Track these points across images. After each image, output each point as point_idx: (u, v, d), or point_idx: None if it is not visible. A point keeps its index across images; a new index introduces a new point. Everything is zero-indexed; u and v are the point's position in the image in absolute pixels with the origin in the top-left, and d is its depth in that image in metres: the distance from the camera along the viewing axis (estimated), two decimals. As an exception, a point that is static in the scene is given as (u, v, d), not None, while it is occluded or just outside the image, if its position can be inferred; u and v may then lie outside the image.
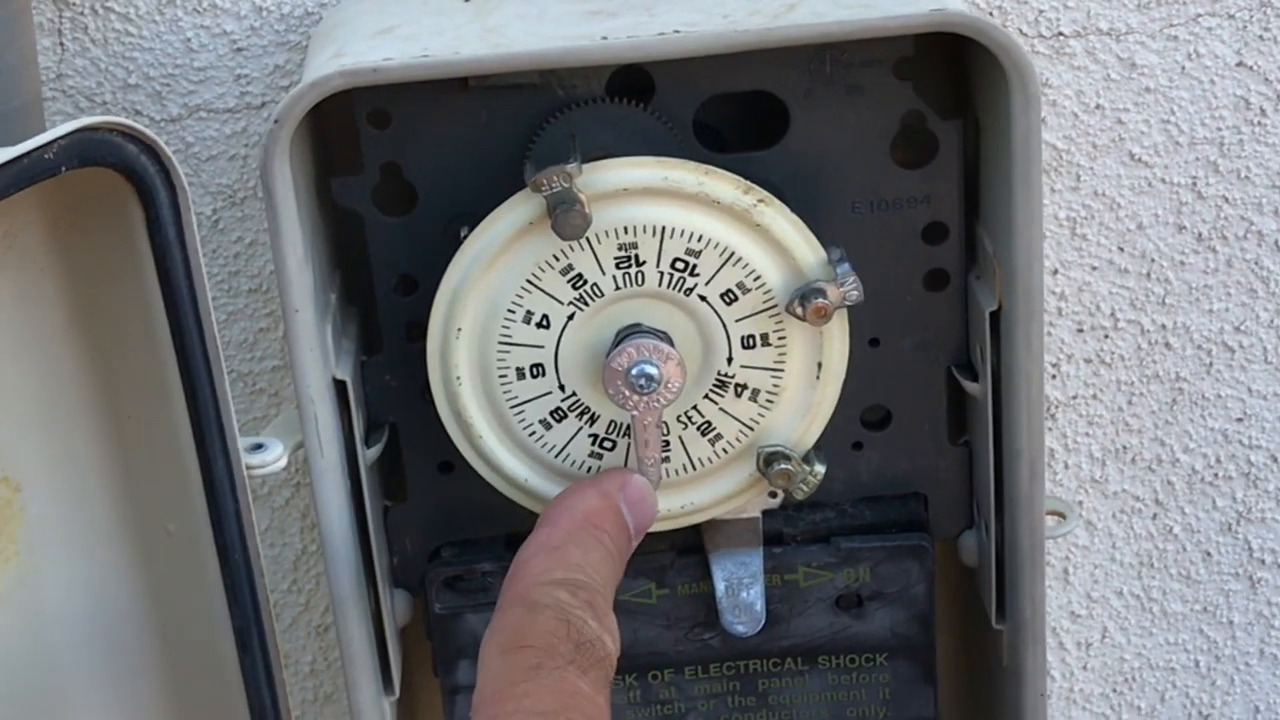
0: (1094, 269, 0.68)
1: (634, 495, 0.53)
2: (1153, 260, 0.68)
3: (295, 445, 0.56)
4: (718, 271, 0.54)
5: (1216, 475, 0.72)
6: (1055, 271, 0.67)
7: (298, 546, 0.70)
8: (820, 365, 0.56)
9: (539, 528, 0.51)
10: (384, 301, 0.58)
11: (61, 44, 0.61)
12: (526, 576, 0.48)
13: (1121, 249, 0.67)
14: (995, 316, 0.57)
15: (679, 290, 0.55)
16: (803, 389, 0.56)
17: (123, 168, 0.48)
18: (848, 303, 0.54)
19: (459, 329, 0.55)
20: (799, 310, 0.54)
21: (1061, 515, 0.64)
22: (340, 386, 0.56)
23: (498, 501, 0.59)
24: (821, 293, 0.54)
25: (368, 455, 0.58)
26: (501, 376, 0.55)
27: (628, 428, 0.56)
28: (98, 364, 0.53)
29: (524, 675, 0.44)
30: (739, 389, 0.56)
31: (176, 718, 0.58)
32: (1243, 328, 0.69)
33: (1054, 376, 0.69)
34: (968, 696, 0.71)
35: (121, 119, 0.47)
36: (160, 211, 0.49)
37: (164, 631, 0.56)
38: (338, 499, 0.57)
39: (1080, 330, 0.69)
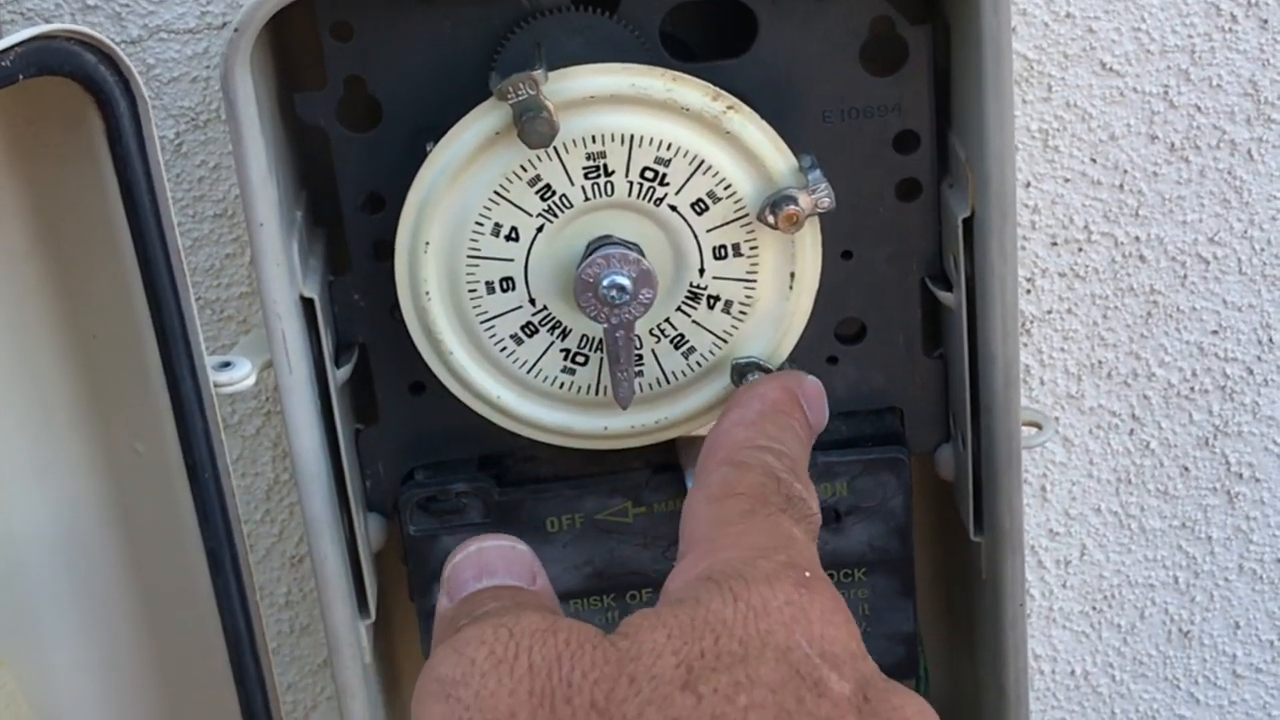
0: (1067, 181, 0.67)
1: (811, 393, 0.52)
2: (1125, 171, 0.67)
3: (264, 364, 0.55)
4: (688, 180, 0.54)
5: (1193, 389, 0.72)
6: (1028, 184, 0.67)
7: (270, 476, 0.69)
8: (793, 275, 0.56)
9: (730, 410, 0.50)
10: (351, 219, 0.57)
11: (18, -32, 0.60)
12: (730, 443, 0.48)
13: (1094, 160, 0.67)
14: (968, 224, 0.56)
15: (649, 200, 0.54)
16: (776, 300, 0.56)
17: (81, 77, 0.47)
18: (819, 209, 0.54)
19: (427, 243, 0.54)
20: (770, 218, 0.54)
21: (1038, 425, 0.63)
22: (308, 305, 0.55)
23: (470, 422, 0.58)
24: (793, 199, 0.53)
25: (338, 376, 0.57)
26: (471, 291, 0.55)
27: (600, 342, 0.56)
28: (62, 282, 0.52)
29: (739, 518, 0.43)
30: (711, 301, 0.56)
31: (149, 642, 0.57)
32: (1217, 239, 0.69)
33: (1029, 291, 0.69)
34: (947, 611, 0.70)
35: (78, 27, 0.47)
36: (120, 122, 0.48)
37: (135, 553, 0.56)
38: (308, 418, 0.56)
39: (1054, 244, 0.68)
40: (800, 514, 0.45)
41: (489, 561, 0.44)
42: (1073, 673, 0.78)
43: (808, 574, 0.40)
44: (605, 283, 0.53)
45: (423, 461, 0.61)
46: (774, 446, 0.47)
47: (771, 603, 0.39)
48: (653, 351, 0.56)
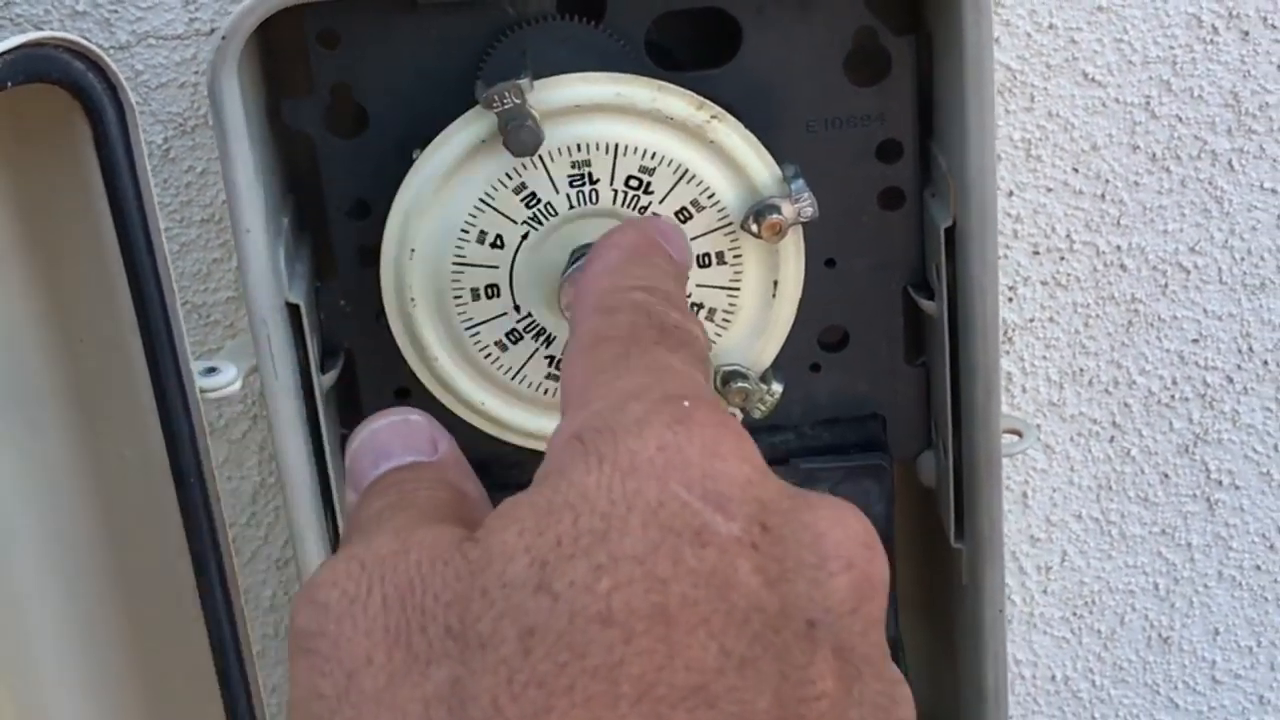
0: (1049, 190, 0.68)
1: (668, 231, 0.47)
2: (1107, 181, 0.68)
3: (249, 369, 0.55)
4: (672, 189, 0.54)
5: (1173, 397, 0.72)
6: (1011, 194, 0.67)
7: (255, 479, 0.70)
8: (776, 283, 0.56)
9: (590, 262, 0.46)
10: (337, 226, 0.57)
11: (7, -27, 0.60)
12: (596, 292, 0.43)
13: (1076, 170, 0.67)
14: (950, 233, 0.57)
15: (633, 208, 0.54)
16: (759, 308, 0.56)
17: (69, 84, 0.48)
18: (802, 219, 0.54)
19: (412, 250, 0.54)
20: (754, 227, 0.54)
21: (1018, 433, 0.64)
22: (294, 310, 0.56)
23: (455, 428, 0.58)
24: (776, 208, 0.54)
25: (323, 381, 0.58)
26: (456, 298, 0.55)
27: (584, 348, 0.56)
28: (48, 287, 0.53)
29: (611, 364, 0.39)
30: (695, 308, 0.56)
31: (135, 645, 0.58)
32: (1197, 248, 0.69)
33: (1010, 300, 0.69)
34: (928, 617, 0.71)
35: (66, 34, 0.47)
36: (108, 129, 0.49)
37: (120, 557, 0.56)
38: (293, 423, 0.56)
39: (1036, 252, 0.69)
40: (678, 341, 0.40)
41: (383, 443, 0.40)
42: (1053, 678, 0.78)
43: (686, 403, 0.36)
44: (589, 290, 0.53)
45: (407, 466, 0.61)
46: (642, 284, 0.43)
47: (641, 455, 0.34)
48: (636, 358, 0.57)
